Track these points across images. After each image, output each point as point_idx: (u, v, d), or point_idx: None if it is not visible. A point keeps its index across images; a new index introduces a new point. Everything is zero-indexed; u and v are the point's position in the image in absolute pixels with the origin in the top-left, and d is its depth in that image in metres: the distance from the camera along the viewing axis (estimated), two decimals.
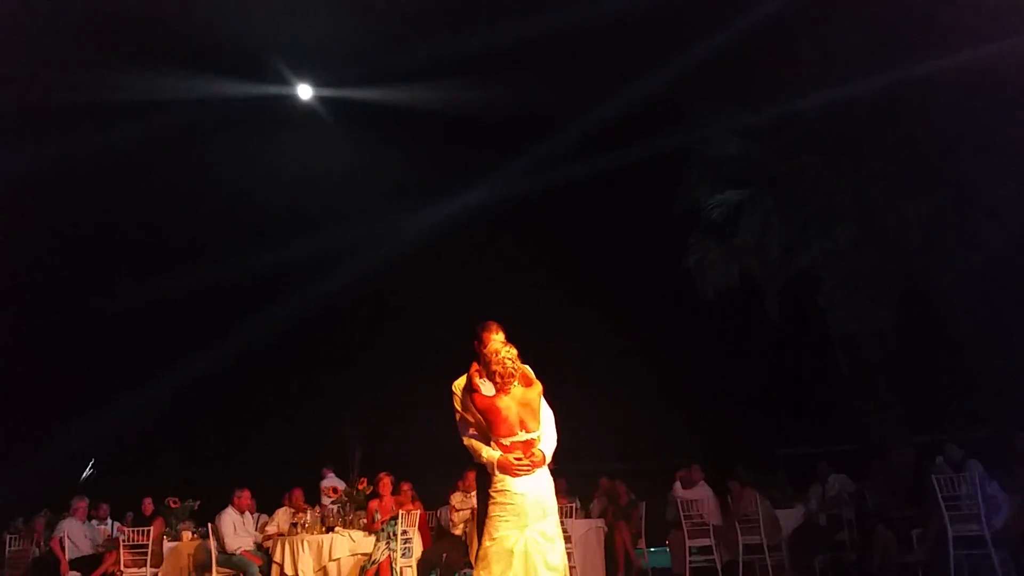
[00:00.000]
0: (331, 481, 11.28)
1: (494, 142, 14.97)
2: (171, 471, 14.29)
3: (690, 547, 10.08)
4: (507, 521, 4.56)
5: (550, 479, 4.74)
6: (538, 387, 4.81)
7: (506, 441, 4.66)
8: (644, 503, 11.36)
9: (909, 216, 12.93)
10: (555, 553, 4.57)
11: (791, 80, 12.63)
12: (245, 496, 9.48)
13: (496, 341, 4.77)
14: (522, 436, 4.67)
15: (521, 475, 4.61)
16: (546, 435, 4.79)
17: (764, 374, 15.78)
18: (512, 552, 4.49)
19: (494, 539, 4.55)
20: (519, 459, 4.62)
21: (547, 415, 4.89)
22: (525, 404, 4.72)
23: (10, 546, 10.33)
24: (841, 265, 13.65)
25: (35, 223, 14.61)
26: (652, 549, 11.54)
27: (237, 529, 9.22)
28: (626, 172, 14.49)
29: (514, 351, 4.73)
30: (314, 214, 15.32)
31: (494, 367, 4.68)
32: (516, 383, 4.71)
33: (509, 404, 4.70)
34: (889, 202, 13.11)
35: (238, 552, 9.11)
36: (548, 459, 4.72)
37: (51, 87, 12.15)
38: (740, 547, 9.85)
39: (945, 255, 12.81)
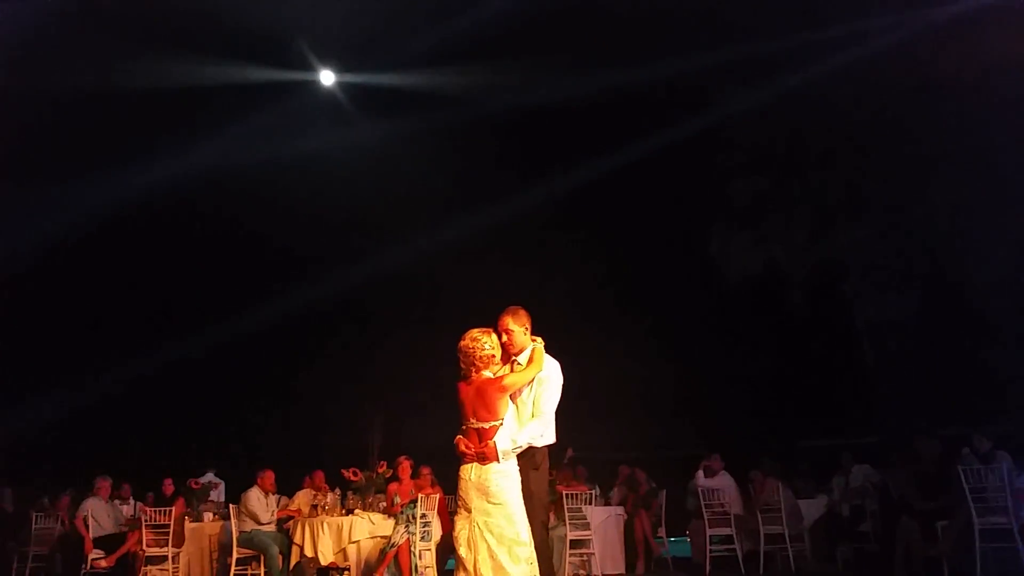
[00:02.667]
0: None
1: (520, 128, 14.89)
2: (192, 452, 14.39)
3: (711, 536, 9.99)
4: (460, 505, 4.78)
5: (504, 472, 4.67)
6: (505, 377, 4.80)
7: (464, 427, 4.78)
8: (664, 492, 11.29)
9: (937, 204, 12.74)
10: (502, 548, 4.56)
11: (816, 64, 12.44)
12: (269, 477, 9.55)
13: (473, 331, 4.85)
14: (473, 424, 4.74)
15: (467, 462, 4.73)
16: (525, 428, 4.78)
17: (788, 363, 15.61)
18: (459, 539, 4.69)
19: (454, 524, 4.84)
20: (468, 447, 4.71)
21: (543, 407, 4.85)
22: (480, 394, 4.75)
23: (36, 523, 10.48)
24: (867, 253, 13.51)
25: (58, 201, 14.73)
26: (672, 538, 11.47)
27: (263, 506, 9.33)
28: (650, 157, 14.34)
29: (486, 340, 4.79)
30: (337, 199, 15.31)
31: (458, 354, 4.83)
32: (485, 371, 4.78)
33: (468, 391, 4.80)
34: (917, 190, 12.92)
35: (266, 526, 9.18)
36: (504, 454, 4.67)
37: (71, 73, 12.18)
38: (761, 537, 9.76)
39: (973, 244, 12.62)
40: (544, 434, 4.86)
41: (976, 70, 11.33)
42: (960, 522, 8.04)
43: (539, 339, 5.01)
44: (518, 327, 4.94)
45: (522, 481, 4.75)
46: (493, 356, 4.80)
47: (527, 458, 4.82)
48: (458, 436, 4.78)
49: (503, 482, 4.66)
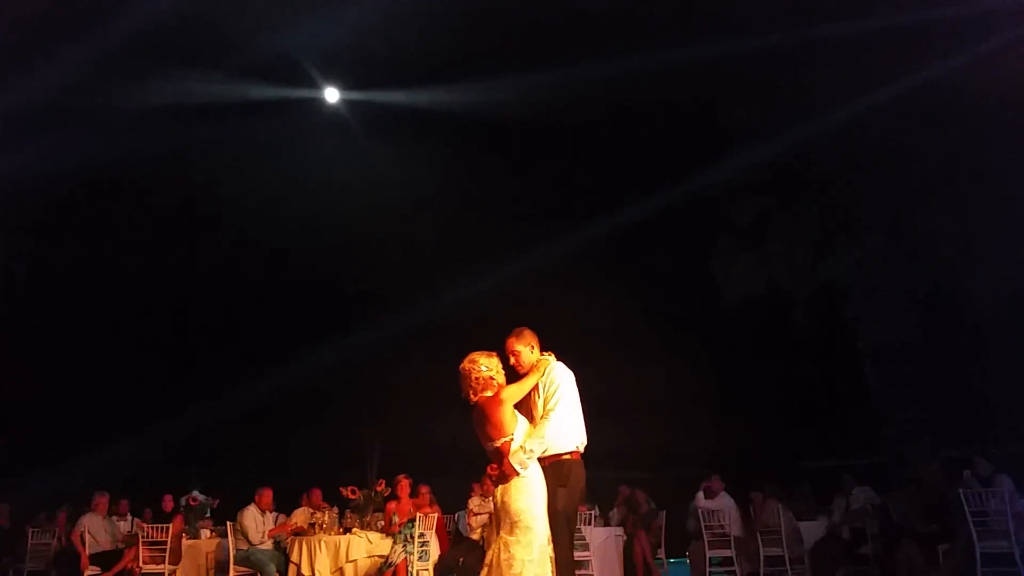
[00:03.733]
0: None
1: (523, 145, 14.93)
2: (190, 469, 14.36)
3: (710, 558, 9.93)
4: (492, 529, 4.89)
5: (526, 490, 4.61)
6: (502, 390, 4.74)
7: (488, 453, 4.76)
8: (664, 512, 11.24)
9: (940, 224, 12.73)
10: (513, 566, 4.50)
11: (821, 86, 12.48)
12: (267, 495, 9.54)
13: (474, 353, 4.86)
14: (489, 446, 4.72)
15: (495, 485, 4.72)
16: (534, 435, 4.69)
17: (789, 384, 15.56)
18: (485, 560, 4.67)
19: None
20: (492, 470, 4.71)
21: (547, 406, 4.75)
22: (484, 413, 4.74)
23: (32, 539, 10.44)
24: (870, 274, 13.50)
25: (71, 225, 14.84)
26: (672, 560, 11.41)
27: (258, 526, 9.29)
28: (650, 174, 14.36)
29: (484, 362, 4.78)
30: (340, 218, 15.34)
31: (459, 377, 4.86)
32: (485, 392, 4.76)
33: (475, 415, 4.80)
34: (920, 210, 12.92)
35: (261, 545, 9.15)
36: (520, 464, 4.60)
37: (76, 91, 12.25)
38: (761, 559, 9.70)
39: (977, 265, 12.59)
40: (559, 435, 4.72)
41: (978, 90, 11.36)
42: (961, 546, 7.98)
43: (548, 355, 4.97)
44: (523, 347, 4.92)
45: (548, 499, 4.66)
46: (491, 379, 4.76)
47: (554, 474, 4.71)
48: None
49: (522, 501, 4.60)
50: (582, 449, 4.85)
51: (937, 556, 8.26)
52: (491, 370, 4.78)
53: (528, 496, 4.61)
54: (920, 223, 13.10)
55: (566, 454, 4.76)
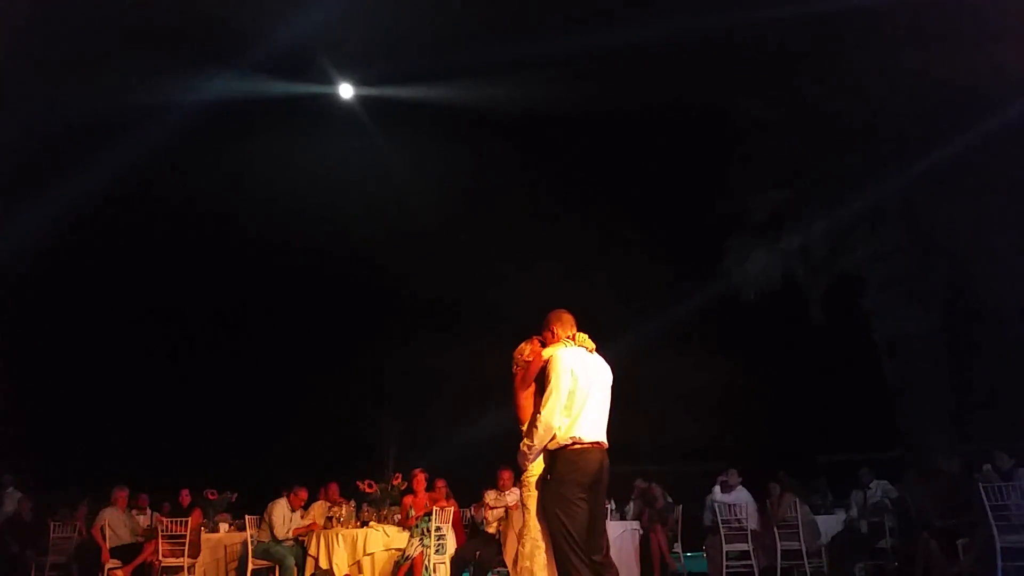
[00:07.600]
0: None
1: (536, 139, 14.93)
2: (208, 463, 14.45)
3: (727, 552, 9.91)
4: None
5: (526, 483, 4.70)
6: (521, 375, 4.73)
7: None
8: (680, 506, 11.22)
9: (957, 217, 12.62)
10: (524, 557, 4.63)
11: (837, 77, 12.39)
12: (302, 494, 9.66)
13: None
14: None
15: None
16: (527, 435, 4.57)
17: (806, 378, 15.50)
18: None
19: None
20: None
21: (549, 401, 4.45)
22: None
23: (54, 532, 10.53)
24: (887, 267, 13.41)
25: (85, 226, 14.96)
26: (688, 554, 11.40)
27: (285, 522, 9.40)
28: (666, 168, 14.32)
29: (520, 346, 4.80)
30: (354, 213, 15.39)
31: None
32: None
33: None
34: (937, 203, 12.81)
35: (285, 540, 9.22)
36: (524, 460, 4.61)
37: (94, 90, 12.31)
38: (778, 553, 9.68)
39: (994, 257, 12.48)
40: (547, 432, 4.42)
41: (999, 81, 11.26)
42: (981, 540, 7.92)
43: (566, 341, 4.70)
44: (544, 337, 4.79)
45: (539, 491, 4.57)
46: (528, 363, 4.75)
47: (546, 467, 4.53)
48: None
49: (522, 493, 4.73)
50: (583, 438, 4.46)
51: (957, 551, 8.20)
52: (525, 354, 4.79)
53: (527, 489, 4.73)
54: (936, 215, 13.01)
55: (556, 447, 4.48)
